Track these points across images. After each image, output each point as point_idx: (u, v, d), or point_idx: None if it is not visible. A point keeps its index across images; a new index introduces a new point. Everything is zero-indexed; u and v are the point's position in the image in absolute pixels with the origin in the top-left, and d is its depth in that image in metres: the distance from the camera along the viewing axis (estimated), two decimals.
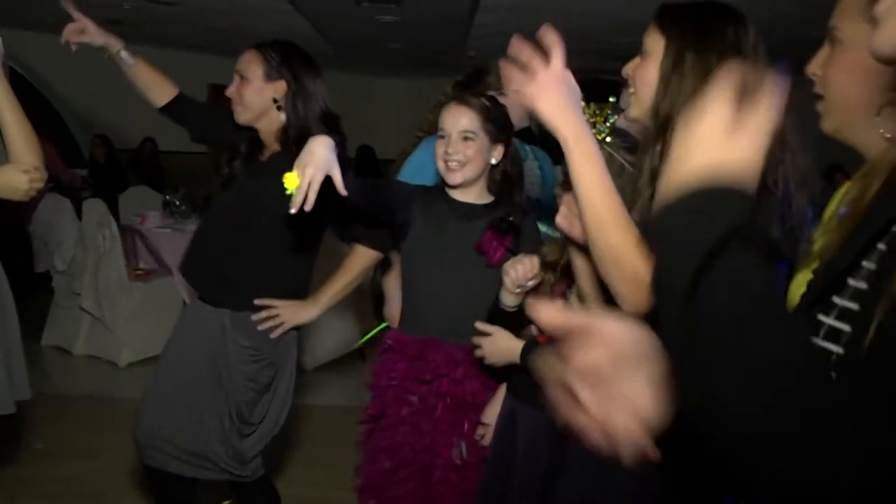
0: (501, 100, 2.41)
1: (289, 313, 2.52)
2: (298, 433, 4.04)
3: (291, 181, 1.92)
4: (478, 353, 2.08)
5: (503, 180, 2.33)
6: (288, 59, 2.53)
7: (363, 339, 4.42)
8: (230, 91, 2.56)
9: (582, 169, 1.39)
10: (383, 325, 2.59)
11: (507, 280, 2.00)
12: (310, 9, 6.96)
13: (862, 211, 0.91)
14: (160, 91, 2.75)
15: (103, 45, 2.66)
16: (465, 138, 2.24)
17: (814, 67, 1.27)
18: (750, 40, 1.57)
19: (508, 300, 2.03)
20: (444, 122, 2.28)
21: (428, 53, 9.74)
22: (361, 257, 2.59)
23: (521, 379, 2.03)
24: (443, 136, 2.27)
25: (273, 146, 2.55)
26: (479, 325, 2.07)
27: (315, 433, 4.22)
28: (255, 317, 2.50)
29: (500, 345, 2.03)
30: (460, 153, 2.24)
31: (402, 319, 2.42)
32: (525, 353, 1.98)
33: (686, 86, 1.53)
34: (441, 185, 2.36)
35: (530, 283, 1.98)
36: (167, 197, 6.55)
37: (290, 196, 1.92)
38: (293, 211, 1.92)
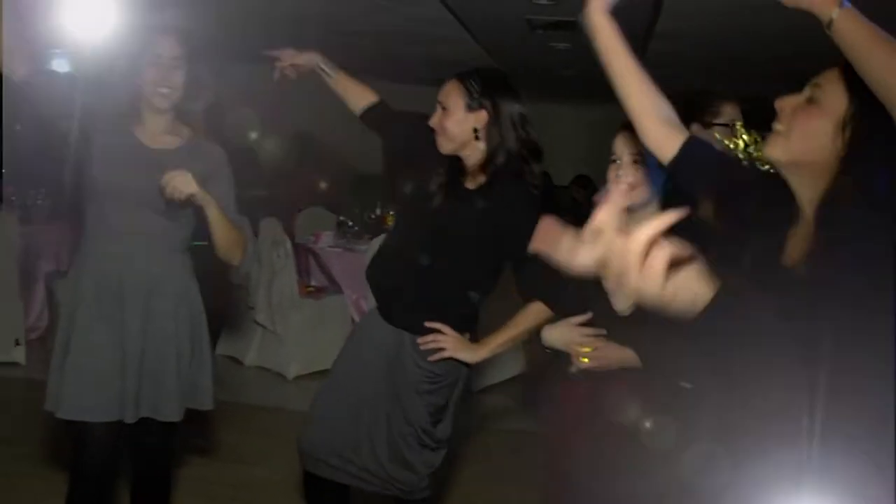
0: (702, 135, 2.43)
1: (453, 345, 2.54)
2: (459, 455, 4.04)
3: (584, 359, 2.26)
4: None
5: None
6: (488, 87, 2.54)
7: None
8: (433, 122, 2.58)
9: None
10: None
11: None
12: (486, 36, 7.04)
13: None
14: (358, 98, 2.85)
15: (306, 63, 2.84)
16: (636, 162, 2.29)
17: None
18: None
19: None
20: (617, 147, 2.33)
21: (601, 80, 9.62)
22: (535, 314, 2.55)
23: None
24: (615, 161, 2.32)
25: (478, 176, 2.55)
26: None
27: (477, 455, 4.21)
28: (420, 339, 2.53)
29: None
30: (631, 176, 2.29)
31: None
32: None
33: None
34: None
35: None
36: (341, 217, 6.74)
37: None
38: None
